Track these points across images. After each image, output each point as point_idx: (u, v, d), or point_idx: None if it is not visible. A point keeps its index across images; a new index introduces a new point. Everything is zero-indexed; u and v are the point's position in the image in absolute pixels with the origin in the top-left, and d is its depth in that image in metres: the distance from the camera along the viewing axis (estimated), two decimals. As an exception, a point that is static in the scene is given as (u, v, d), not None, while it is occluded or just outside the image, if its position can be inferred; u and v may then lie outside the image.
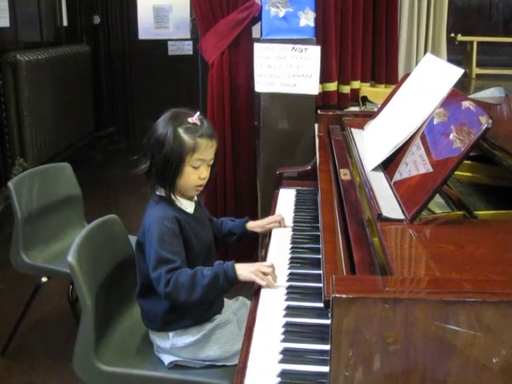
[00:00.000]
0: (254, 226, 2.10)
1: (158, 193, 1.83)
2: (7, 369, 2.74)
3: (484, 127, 1.37)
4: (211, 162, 1.84)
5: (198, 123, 1.78)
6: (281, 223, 2.11)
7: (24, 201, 2.63)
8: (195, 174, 1.80)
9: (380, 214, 1.43)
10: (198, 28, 3.47)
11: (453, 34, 5.28)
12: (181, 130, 1.76)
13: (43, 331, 3.04)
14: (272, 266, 1.71)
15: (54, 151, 5.15)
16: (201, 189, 1.85)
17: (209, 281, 1.69)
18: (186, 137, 1.76)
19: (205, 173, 1.82)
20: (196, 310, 1.83)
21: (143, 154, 1.81)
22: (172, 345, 1.84)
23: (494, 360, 1.03)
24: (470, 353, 1.03)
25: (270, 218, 2.14)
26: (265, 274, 1.68)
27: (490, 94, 2.91)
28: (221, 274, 1.69)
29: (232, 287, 1.74)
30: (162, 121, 1.80)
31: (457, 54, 5.28)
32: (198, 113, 1.81)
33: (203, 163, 1.80)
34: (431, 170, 1.49)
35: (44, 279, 2.71)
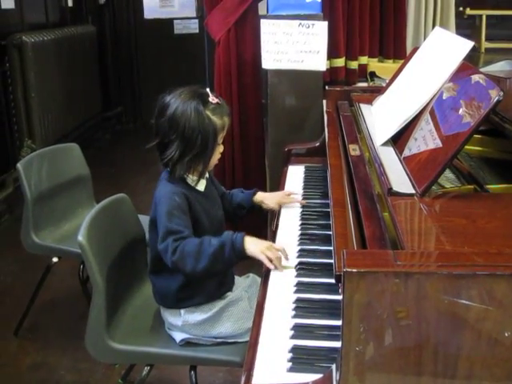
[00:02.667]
0: (261, 198, 2.07)
1: (171, 172, 1.81)
2: (20, 348, 2.77)
3: (495, 99, 1.35)
4: None
5: (220, 102, 1.79)
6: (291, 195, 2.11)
7: (33, 182, 2.63)
8: (218, 150, 1.83)
9: (390, 189, 1.42)
10: (204, 5, 3.44)
11: (461, 8, 5.21)
12: (209, 113, 1.75)
13: (55, 311, 3.07)
14: (283, 251, 1.69)
15: (62, 132, 5.15)
16: (217, 162, 1.88)
17: (215, 249, 1.67)
18: (215, 119, 1.76)
19: (222, 146, 1.84)
20: (207, 287, 1.84)
21: (168, 141, 1.76)
22: (184, 322, 1.85)
23: (507, 334, 1.02)
24: (482, 327, 1.02)
25: (278, 196, 2.11)
26: (271, 258, 1.65)
27: (500, 67, 2.88)
28: (227, 244, 1.68)
29: (240, 260, 1.72)
30: (185, 104, 1.74)
31: (465, 28, 5.21)
32: (208, 89, 1.81)
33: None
34: (440, 145, 1.47)
35: (55, 259, 2.72)
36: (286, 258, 1.68)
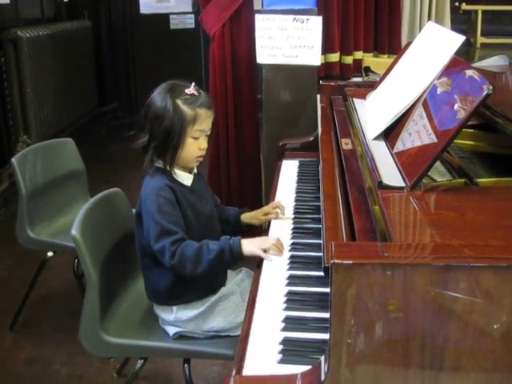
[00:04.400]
0: (248, 217, 2.05)
1: (155, 164, 1.82)
2: (16, 342, 2.78)
3: (484, 93, 1.36)
4: (209, 133, 1.84)
5: (196, 94, 1.78)
6: (280, 208, 2.01)
7: (28, 176, 2.64)
8: (195, 145, 1.80)
9: (380, 182, 1.43)
10: (199, 0, 3.44)
11: (457, 3, 5.22)
12: (180, 102, 1.76)
13: (50, 305, 3.08)
14: (278, 241, 1.71)
15: (57, 127, 5.14)
16: (201, 159, 1.86)
17: (214, 255, 1.70)
18: (185, 108, 1.76)
19: (204, 143, 1.82)
20: (199, 285, 1.84)
21: (141, 128, 1.82)
22: (176, 318, 1.86)
23: (495, 326, 1.03)
24: (469, 318, 1.03)
25: (266, 208, 2.04)
26: (266, 249, 1.69)
27: (494, 62, 2.88)
28: (226, 250, 1.71)
29: (237, 262, 1.77)
30: (158, 94, 1.79)
31: (461, 24, 5.22)
32: (194, 83, 1.81)
33: (202, 134, 1.81)
34: (435, 139, 1.48)
35: (50, 254, 2.73)
36: (280, 251, 1.70)
